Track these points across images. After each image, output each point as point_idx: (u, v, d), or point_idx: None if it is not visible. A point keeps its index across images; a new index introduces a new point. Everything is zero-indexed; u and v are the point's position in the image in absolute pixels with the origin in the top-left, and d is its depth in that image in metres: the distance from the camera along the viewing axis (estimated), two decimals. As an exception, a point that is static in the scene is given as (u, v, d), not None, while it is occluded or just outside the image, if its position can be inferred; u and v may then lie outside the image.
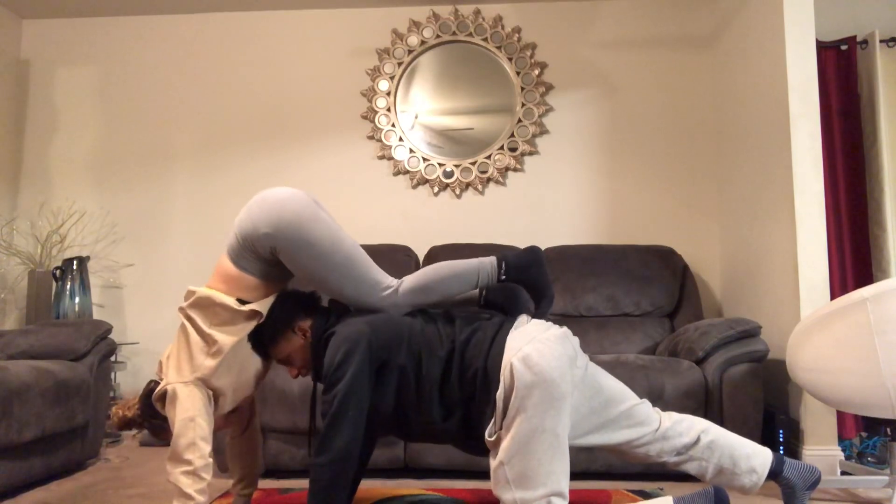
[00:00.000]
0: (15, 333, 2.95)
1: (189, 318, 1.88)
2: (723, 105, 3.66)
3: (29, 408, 2.45)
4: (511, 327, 1.81)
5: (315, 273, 1.86)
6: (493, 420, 1.71)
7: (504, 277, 1.92)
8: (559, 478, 1.66)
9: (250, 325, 1.88)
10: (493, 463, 1.70)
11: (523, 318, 1.89)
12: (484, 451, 1.81)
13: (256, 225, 1.84)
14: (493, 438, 1.70)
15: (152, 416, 1.95)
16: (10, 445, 2.37)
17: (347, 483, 1.75)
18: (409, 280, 1.93)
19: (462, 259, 1.96)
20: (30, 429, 2.46)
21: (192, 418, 1.81)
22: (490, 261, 1.94)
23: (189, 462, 1.79)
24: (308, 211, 1.86)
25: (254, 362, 1.95)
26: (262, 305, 1.90)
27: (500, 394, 1.69)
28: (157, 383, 1.97)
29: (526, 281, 1.94)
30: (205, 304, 1.86)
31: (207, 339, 1.85)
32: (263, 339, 1.92)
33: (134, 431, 2.02)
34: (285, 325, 1.91)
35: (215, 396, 1.89)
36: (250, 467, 2.11)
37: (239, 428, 2.10)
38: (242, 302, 1.88)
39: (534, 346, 1.71)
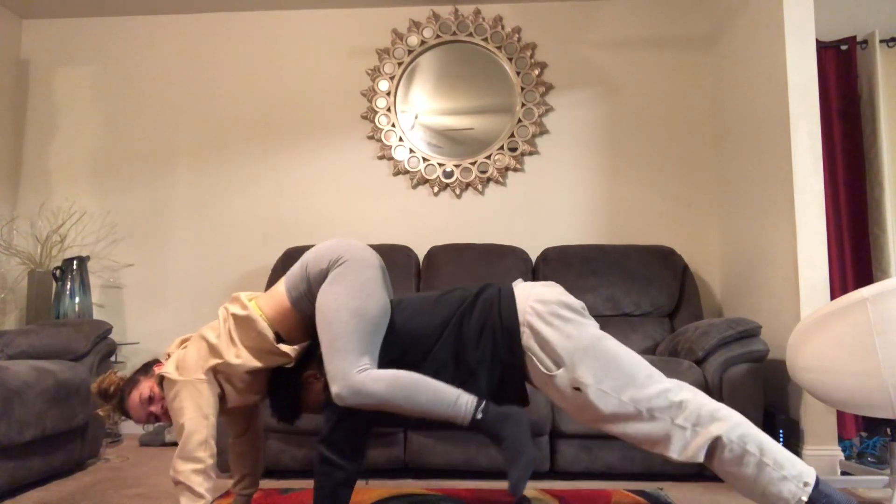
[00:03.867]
0: (15, 333, 2.95)
1: (226, 320, 1.89)
2: (723, 105, 3.66)
3: (29, 408, 2.45)
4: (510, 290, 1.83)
5: (322, 311, 1.78)
6: (537, 365, 1.70)
7: (480, 417, 1.68)
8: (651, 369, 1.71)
9: (278, 362, 1.88)
10: (571, 394, 1.68)
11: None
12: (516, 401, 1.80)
13: (321, 258, 1.83)
14: (556, 373, 1.68)
15: (131, 387, 1.95)
16: (10, 445, 2.38)
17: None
18: (382, 373, 1.73)
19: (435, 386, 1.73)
20: (30, 429, 2.46)
21: (206, 416, 1.81)
22: (470, 399, 1.70)
23: (201, 460, 1.79)
24: (369, 264, 1.83)
25: (265, 380, 1.95)
26: (296, 350, 1.89)
27: (530, 340, 1.70)
28: (159, 362, 1.99)
29: (499, 436, 1.67)
30: (245, 324, 1.86)
31: (233, 347, 1.86)
32: (289, 402, 1.91)
33: (110, 411, 2.01)
34: (299, 374, 1.90)
35: (223, 394, 1.89)
36: (251, 468, 2.11)
37: (241, 428, 2.10)
38: (279, 339, 1.87)
39: (536, 289, 1.78)
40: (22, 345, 2.88)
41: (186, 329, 3.68)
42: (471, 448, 2.68)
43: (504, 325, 1.73)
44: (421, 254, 3.61)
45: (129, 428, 3.71)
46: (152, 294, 3.89)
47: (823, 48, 3.22)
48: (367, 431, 1.78)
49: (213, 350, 1.86)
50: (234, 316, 1.87)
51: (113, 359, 3.24)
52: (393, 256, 3.53)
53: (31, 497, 2.47)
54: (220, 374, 1.87)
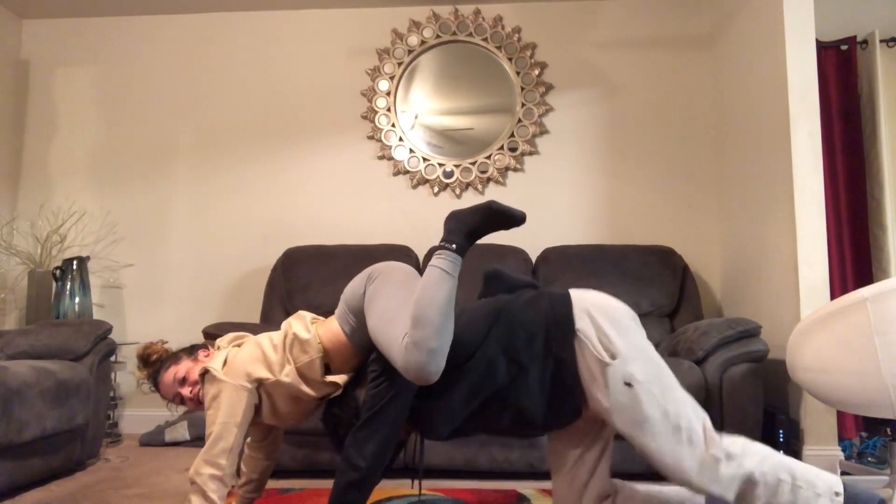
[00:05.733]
0: (15, 333, 2.95)
1: (286, 336, 1.89)
2: (723, 105, 3.65)
3: (29, 408, 2.45)
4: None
5: (373, 329, 1.76)
6: (591, 353, 1.66)
7: (455, 246, 1.71)
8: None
9: (324, 391, 1.87)
10: (620, 389, 1.62)
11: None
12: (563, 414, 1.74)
13: (354, 286, 1.84)
14: (611, 362, 1.63)
15: (171, 362, 1.98)
16: (10, 445, 2.38)
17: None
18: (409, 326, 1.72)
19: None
20: (30, 429, 2.45)
21: (237, 424, 1.82)
22: (438, 254, 1.73)
23: (221, 467, 1.79)
24: (398, 268, 1.84)
25: (305, 409, 1.94)
26: (345, 380, 1.89)
27: (587, 326, 1.67)
28: (206, 348, 2.01)
29: (480, 226, 1.73)
30: (303, 347, 1.86)
31: (287, 365, 1.87)
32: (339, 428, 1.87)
33: (143, 378, 2.04)
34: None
35: (259, 406, 1.89)
36: (260, 474, 2.10)
37: (262, 435, 2.09)
38: (328, 370, 1.87)
39: (593, 291, 1.75)
40: (22, 345, 2.87)
41: (186, 329, 3.68)
42: (471, 448, 2.68)
43: (558, 315, 1.69)
44: (421, 254, 3.60)
45: (129, 428, 3.71)
46: (152, 294, 3.89)
47: (823, 48, 3.22)
48: (392, 438, 1.74)
49: (267, 363, 1.86)
50: (296, 336, 1.87)
51: (113, 359, 3.24)
52: (393, 256, 3.52)
53: (31, 497, 2.47)
54: (264, 387, 1.87)
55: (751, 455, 1.61)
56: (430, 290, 1.65)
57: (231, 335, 2.07)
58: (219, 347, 2.02)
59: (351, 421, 1.80)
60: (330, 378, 1.85)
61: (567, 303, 1.71)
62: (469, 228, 1.72)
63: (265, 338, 1.94)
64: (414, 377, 1.62)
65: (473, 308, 1.82)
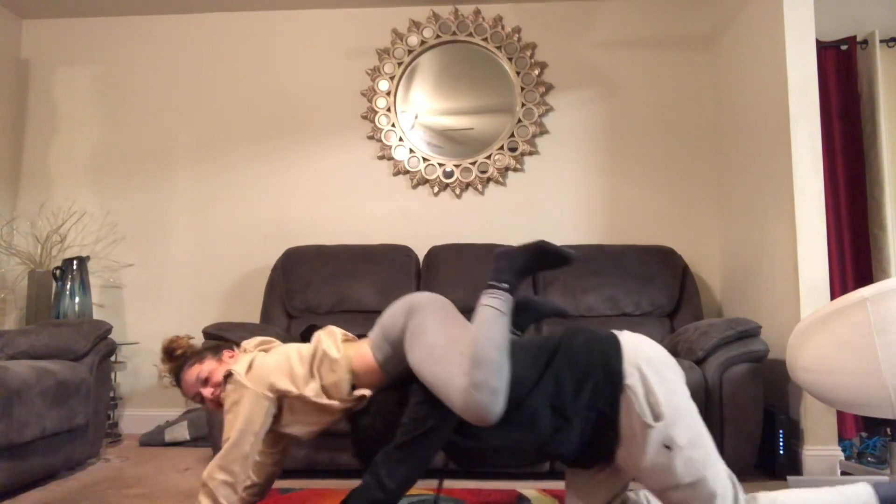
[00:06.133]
0: (15, 333, 2.95)
1: (315, 350, 1.88)
2: (723, 105, 3.65)
3: (29, 408, 2.45)
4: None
5: (417, 367, 1.76)
6: (635, 412, 1.62)
7: (506, 285, 1.72)
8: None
9: (350, 403, 1.86)
10: (657, 451, 1.60)
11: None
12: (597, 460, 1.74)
13: (394, 316, 1.83)
14: (655, 425, 1.60)
15: (195, 360, 1.98)
16: (10, 445, 2.37)
17: None
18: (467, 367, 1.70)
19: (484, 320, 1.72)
20: (30, 429, 2.45)
21: (255, 433, 1.82)
22: (490, 293, 1.74)
23: (234, 474, 1.80)
24: (440, 303, 1.83)
25: (331, 416, 1.92)
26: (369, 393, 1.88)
27: (637, 383, 1.64)
28: (231, 350, 2.01)
29: (531, 265, 1.74)
30: (331, 367, 1.85)
31: (313, 381, 1.86)
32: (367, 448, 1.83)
33: (166, 371, 2.05)
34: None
35: (279, 415, 1.88)
36: (265, 479, 2.09)
37: (273, 441, 2.08)
38: (354, 387, 1.86)
39: (646, 342, 1.73)
40: (22, 345, 2.87)
41: (186, 329, 3.66)
42: (471, 448, 2.67)
43: (609, 369, 1.65)
44: (421, 254, 3.61)
45: (129, 428, 3.71)
46: (152, 294, 3.89)
47: (823, 48, 3.22)
48: (424, 465, 1.73)
49: (292, 376, 1.85)
50: (326, 353, 1.86)
51: (113, 359, 3.24)
52: (393, 256, 3.53)
53: (31, 497, 2.47)
54: (286, 399, 1.86)
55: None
56: (487, 329, 1.64)
57: (258, 339, 2.06)
58: (245, 350, 2.01)
59: (382, 434, 1.77)
60: (357, 392, 1.84)
61: (619, 355, 1.67)
62: (519, 267, 1.72)
63: (293, 349, 1.92)
64: (475, 418, 1.61)
65: (523, 345, 1.78)
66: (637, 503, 1.86)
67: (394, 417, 1.78)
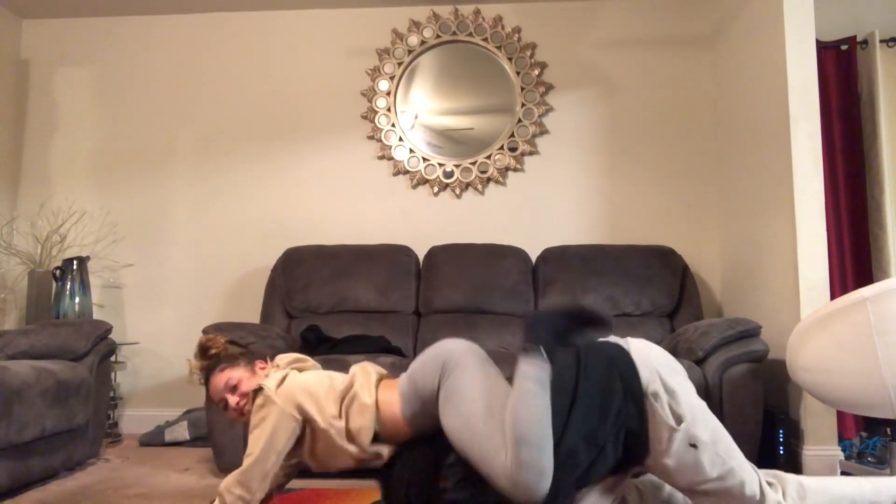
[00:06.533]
0: (15, 333, 2.95)
1: (348, 389, 1.86)
2: (723, 105, 3.65)
3: (29, 408, 2.45)
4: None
5: (453, 432, 1.72)
6: (660, 418, 1.65)
7: (544, 353, 1.69)
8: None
9: (365, 456, 1.84)
10: (684, 451, 1.63)
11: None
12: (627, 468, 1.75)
13: (427, 373, 1.80)
14: (679, 427, 1.64)
15: (227, 365, 1.96)
16: (10, 445, 2.37)
17: None
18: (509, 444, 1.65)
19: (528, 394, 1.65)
20: (30, 429, 2.45)
21: (278, 452, 1.80)
22: (528, 360, 1.69)
23: (252, 491, 1.79)
24: (473, 363, 1.78)
25: (345, 461, 1.90)
26: (393, 449, 1.85)
27: (659, 389, 1.66)
28: (264, 362, 2.00)
29: (568, 330, 1.70)
30: (360, 412, 1.82)
31: (340, 420, 1.83)
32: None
33: (196, 368, 2.04)
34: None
35: (301, 439, 1.87)
36: (276, 486, 2.06)
37: (291, 456, 2.02)
38: (377, 438, 1.83)
39: (657, 348, 1.76)
40: (22, 345, 2.87)
41: (186, 329, 3.68)
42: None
43: (628, 389, 1.66)
44: (421, 254, 3.61)
45: (129, 428, 3.71)
46: (152, 294, 3.89)
47: (823, 48, 3.21)
48: None
49: (320, 407, 1.82)
50: (357, 395, 1.83)
51: (113, 359, 3.24)
52: (393, 256, 3.53)
53: (31, 497, 2.46)
54: (310, 424, 1.84)
55: (811, 496, 1.66)
56: (528, 406, 1.60)
57: (292, 356, 2.04)
58: (277, 366, 1.99)
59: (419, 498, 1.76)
60: (375, 448, 1.82)
61: (633, 367, 1.67)
62: (556, 332, 1.68)
63: (328, 379, 1.90)
64: (524, 498, 1.58)
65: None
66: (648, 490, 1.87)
67: (427, 479, 1.76)
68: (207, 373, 2.00)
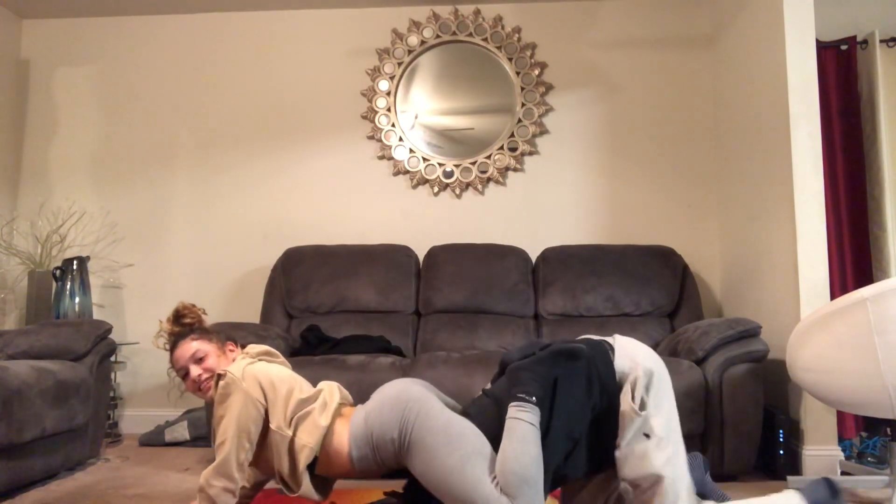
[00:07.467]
0: (15, 333, 2.95)
1: (309, 402, 1.84)
2: (723, 105, 3.65)
3: (29, 408, 2.45)
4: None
5: (431, 483, 1.73)
6: (627, 400, 1.71)
7: (535, 399, 1.71)
8: None
9: (289, 481, 1.82)
10: (636, 439, 1.70)
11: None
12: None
13: (386, 425, 1.77)
14: (641, 414, 1.69)
15: (198, 336, 1.94)
16: (10, 445, 2.37)
17: None
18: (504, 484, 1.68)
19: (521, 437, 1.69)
20: (30, 429, 2.45)
21: (249, 440, 1.78)
22: (520, 406, 1.71)
23: (234, 480, 1.77)
24: (433, 409, 1.78)
25: (266, 468, 1.91)
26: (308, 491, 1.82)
27: (635, 392, 1.71)
28: (234, 343, 1.99)
29: (551, 371, 1.74)
30: (310, 429, 1.79)
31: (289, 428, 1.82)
32: None
33: (165, 332, 2.03)
34: None
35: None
36: (253, 486, 2.07)
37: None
38: (312, 466, 1.82)
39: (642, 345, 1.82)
40: (22, 345, 2.87)
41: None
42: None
43: (604, 382, 1.72)
44: (421, 254, 3.61)
45: (129, 428, 3.71)
46: (152, 294, 3.89)
47: (823, 48, 3.21)
48: None
49: (275, 410, 1.80)
50: (312, 414, 1.81)
51: (113, 359, 3.24)
52: (393, 256, 3.53)
53: (31, 497, 2.47)
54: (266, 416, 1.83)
55: None
56: (525, 449, 1.64)
57: (263, 348, 2.02)
58: (247, 353, 1.97)
59: None
60: (303, 486, 1.78)
61: (609, 361, 1.74)
62: (543, 377, 1.72)
63: (293, 380, 1.88)
64: None
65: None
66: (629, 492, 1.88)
67: None
68: (176, 339, 1.97)
